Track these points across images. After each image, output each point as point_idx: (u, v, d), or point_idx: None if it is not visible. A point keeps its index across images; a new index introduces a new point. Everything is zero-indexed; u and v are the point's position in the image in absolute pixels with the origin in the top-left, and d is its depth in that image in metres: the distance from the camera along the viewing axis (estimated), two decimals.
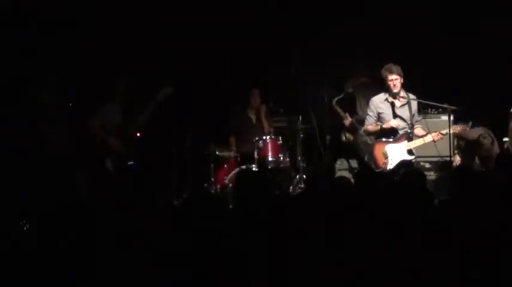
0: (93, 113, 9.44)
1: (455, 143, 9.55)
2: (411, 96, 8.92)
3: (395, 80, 8.75)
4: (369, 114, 8.96)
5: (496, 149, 9.31)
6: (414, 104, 8.94)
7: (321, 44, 10.53)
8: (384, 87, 8.88)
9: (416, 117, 8.99)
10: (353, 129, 10.22)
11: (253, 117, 10.40)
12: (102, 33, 10.38)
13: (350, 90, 10.38)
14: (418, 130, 8.93)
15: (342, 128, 10.43)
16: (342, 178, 6.97)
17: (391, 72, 8.75)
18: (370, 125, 8.93)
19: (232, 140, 10.37)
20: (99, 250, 4.91)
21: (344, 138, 10.48)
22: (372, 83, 10.00)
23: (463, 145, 9.61)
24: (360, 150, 9.63)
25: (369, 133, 9.01)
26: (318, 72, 10.47)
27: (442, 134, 8.76)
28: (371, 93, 9.31)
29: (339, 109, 10.31)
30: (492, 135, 9.36)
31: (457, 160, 9.47)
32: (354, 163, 10.12)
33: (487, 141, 9.27)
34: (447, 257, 4.79)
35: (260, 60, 10.68)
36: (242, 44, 10.79)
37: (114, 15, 10.41)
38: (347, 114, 10.28)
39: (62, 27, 10.26)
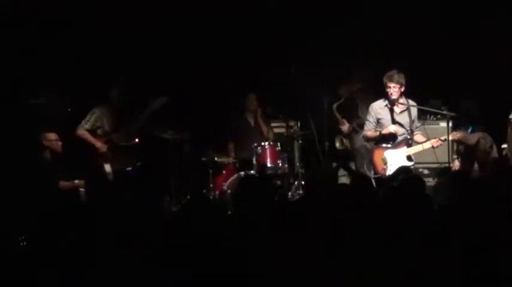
0: (83, 117, 9.51)
1: (455, 147, 9.56)
2: (411, 102, 8.93)
3: (393, 88, 8.74)
4: (368, 120, 8.96)
5: (494, 153, 9.31)
6: (414, 111, 8.95)
7: (320, 49, 10.54)
8: (384, 93, 8.88)
9: (416, 123, 8.99)
10: (350, 135, 10.23)
11: (252, 121, 10.40)
12: (101, 35, 10.41)
13: (344, 95, 10.39)
14: (418, 137, 8.93)
15: (338, 133, 10.43)
16: (343, 184, 6.98)
17: (391, 80, 8.75)
18: (369, 130, 8.93)
19: (231, 146, 10.36)
20: (98, 251, 4.91)
21: (338, 145, 10.48)
22: (368, 89, 10.01)
23: (463, 149, 9.61)
24: (361, 156, 9.63)
25: (368, 139, 9.00)
26: (317, 77, 10.48)
27: (441, 140, 8.76)
28: (369, 99, 9.33)
29: (337, 115, 10.32)
30: (491, 140, 9.36)
31: (456, 165, 9.46)
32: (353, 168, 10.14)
33: (485, 144, 9.28)
34: (446, 261, 4.80)
35: (259, 63, 10.69)
36: (240, 47, 10.81)
37: (113, 17, 10.44)
38: (344, 120, 10.29)
39: (62, 27, 10.30)
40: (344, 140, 10.43)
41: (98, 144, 9.41)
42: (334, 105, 10.31)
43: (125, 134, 9.52)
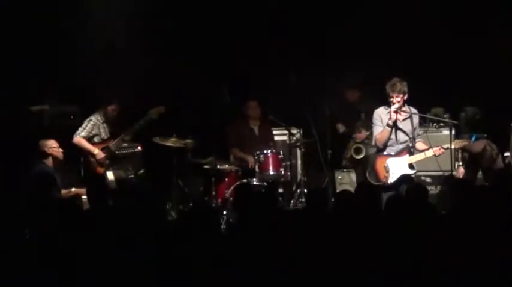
0: (79, 125, 9.56)
1: (460, 154, 9.54)
2: (413, 110, 8.91)
3: (396, 98, 8.71)
4: (376, 125, 8.85)
5: (500, 161, 9.29)
6: (416, 118, 8.92)
7: (321, 56, 10.55)
8: (387, 100, 8.86)
9: (418, 131, 8.97)
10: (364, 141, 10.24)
11: (256, 129, 10.38)
12: (103, 41, 10.45)
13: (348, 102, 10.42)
14: (420, 144, 8.90)
15: (354, 143, 10.39)
16: (345, 191, 6.95)
17: (393, 90, 8.71)
18: (378, 133, 8.84)
19: (236, 153, 10.33)
20: (99, 257, 4.92)
21: (354, 154, 10.41)
22: (368, 95, 10.03)
23: (467, 157, 9.59)
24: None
25: (380, 141, 8.85)
26: (318, 84, 10.50)
27: (443, 148, 8.74)
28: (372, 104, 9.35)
29: (358, 124, 10.35)
30: (496, 147, 9.34)
31: (461, 171, 9.43)
32: (355, 177, 10.13)
33: (492, 151, 9.26)
34: (447, 266, 4.80)
35: (260, 71, 10.72)
36: (241, 54, 10.84)
37: (114, 23, 10.50)
38: (361, 129, 10.28)
39: (63, 34, 10.36)
40: (362, 148, 10.40)
41: (95, 151, 9.45)
42: (362, 115, 10.34)
43: (121, 142, 9.55)
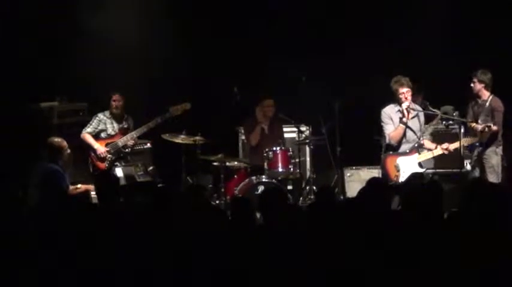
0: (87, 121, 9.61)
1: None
2: (418, 107, 8.95)
3: (407, 93, 8.75)
4: (387, 123, 8.85)
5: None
6: (422, 116, 8.95)
7: (330, 53, 10.56)
8: (394, 100, 8.86)
9: (423, 128, 8.98)
10: None
11: (266, 128, 10.36)
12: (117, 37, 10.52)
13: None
14: (427, 142, 8.92)
15: None
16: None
17: (402, 85, 8.75)
18: (393, 131, 8.83)
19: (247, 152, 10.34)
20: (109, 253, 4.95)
21: None
22: None
23: None
24: None
25: (394, 138, 8.84)
26: (328, 81, 10.51)
27: (450, 151, 8.76)
28: None
29: None
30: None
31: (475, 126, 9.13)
32: (364, 174, 10.12)
33: None
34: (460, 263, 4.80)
35: (271, 69, 10.74)
36: (252, 52, 10.86)
37: (129, 18, 10.55)
38: None
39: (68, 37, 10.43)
40: None
41: (96, 146, 9.49)
42: None
43: (132, 139, 9.57)
